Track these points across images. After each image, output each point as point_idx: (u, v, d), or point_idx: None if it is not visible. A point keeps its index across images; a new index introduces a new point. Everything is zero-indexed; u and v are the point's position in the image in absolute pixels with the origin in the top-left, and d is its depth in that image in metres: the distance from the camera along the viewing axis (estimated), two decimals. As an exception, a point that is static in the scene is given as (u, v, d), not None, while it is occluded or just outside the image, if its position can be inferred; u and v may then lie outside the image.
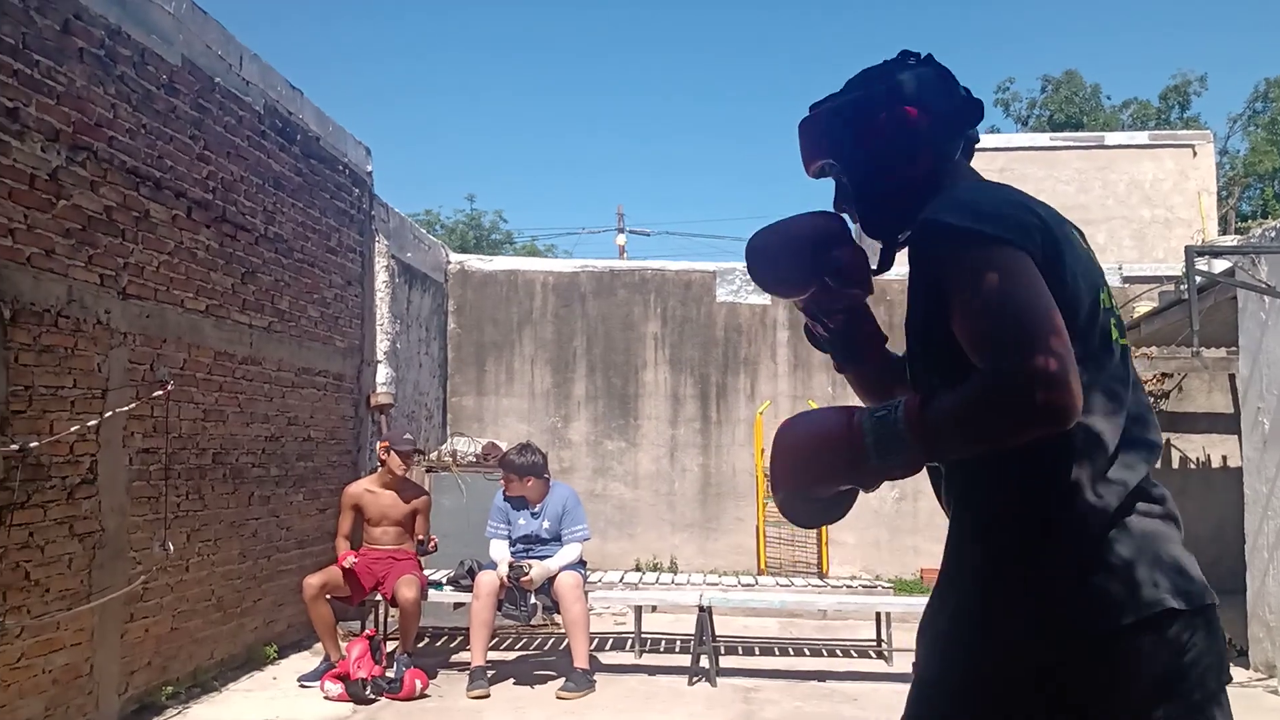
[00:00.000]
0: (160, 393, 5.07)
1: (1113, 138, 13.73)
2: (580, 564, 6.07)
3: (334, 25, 59.56)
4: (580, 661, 5.72)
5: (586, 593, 6.01)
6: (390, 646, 5.96)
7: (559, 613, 5.93)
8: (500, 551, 5.99)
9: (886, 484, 1.50)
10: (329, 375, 7.25)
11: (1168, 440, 9.49)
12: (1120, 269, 10.18)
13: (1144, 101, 25.98)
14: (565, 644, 6.31)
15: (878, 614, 6.79)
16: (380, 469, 6.20)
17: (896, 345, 1.75)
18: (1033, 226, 1.45)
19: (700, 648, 6.00)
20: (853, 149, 1.67)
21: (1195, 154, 12.75)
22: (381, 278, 8.16)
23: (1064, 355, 1.29)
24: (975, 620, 1.48)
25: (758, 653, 6.86)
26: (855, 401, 1.78)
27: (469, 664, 5.77)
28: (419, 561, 6.16)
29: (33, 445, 4.15)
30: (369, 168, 7.99)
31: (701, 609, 6.04)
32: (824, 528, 7.75)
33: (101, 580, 4.66)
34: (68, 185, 4.48)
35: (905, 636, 6.33)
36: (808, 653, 6.91)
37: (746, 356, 10.02)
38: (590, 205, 66.24)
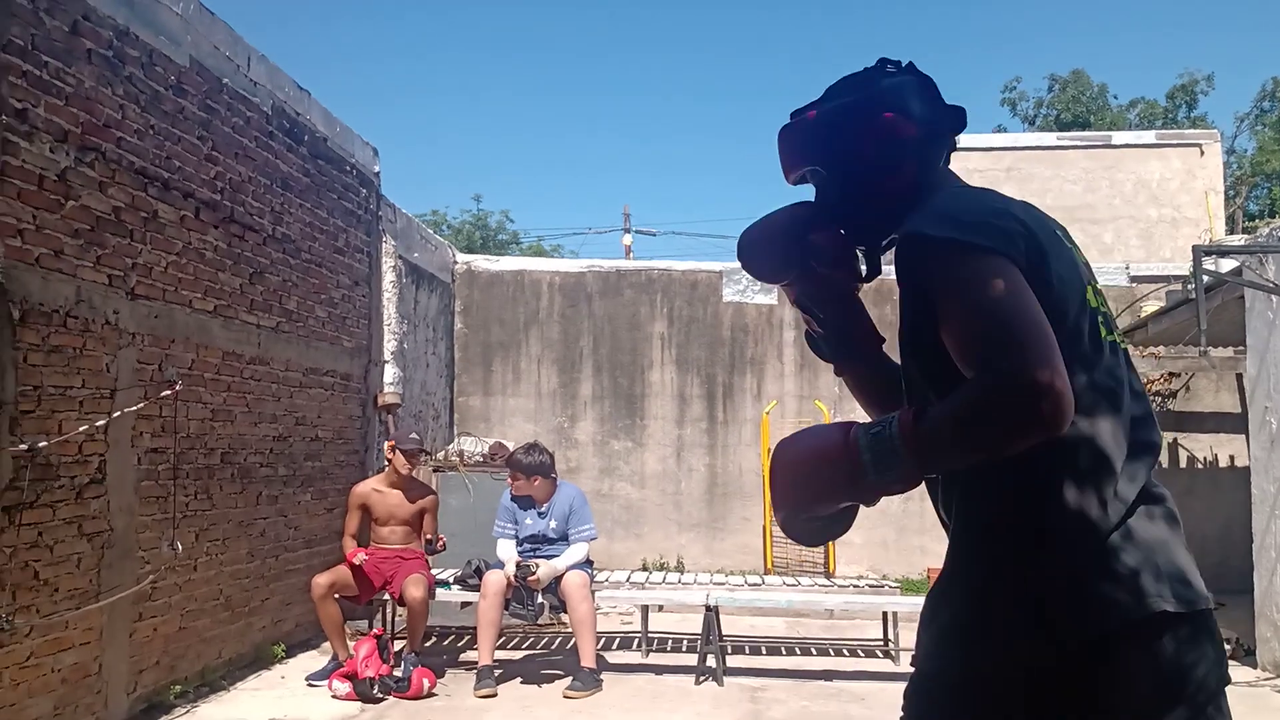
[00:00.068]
0: (168, 393, 5.09)
1: (1120, 137, 13.68)
2: (587, 564, 6.07)
3: (334, 25, 59.78)
4: (587, 661, 5.72)
5: (593, 592, 6.01)
6: (398, 646, 5.98)
7: (566, 612, 5.94)
8: (507, 551, 6.00)
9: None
10: (336, 375, 7.26)
11: (1175, 440, 9.46)
12: (1127, 268, 10.17)
13: (1151, 101, 25.92)
14: (572, 643, 6.33)
15: (884, 613, 6.80)
16: (387, 468, 6.21)
17: (896, 346, 1.76)
18: (1015, 233, 1.45)
19: (707, 647, 6.00)
20: (835, 157, 1.68)
21: (1202, 153, 12.71)
22: (389, 278, 8.17)
23: (1053, 360, 1.29)
24: (975, 619, 1.48)
25: (764, 652, 6.85)
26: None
27: (476, 663, 5.78)
28: (427, 561, 6.17)
29: (41, 445, 4.16)
30: (376, 168, 8.00)
31: (708, 608, 6.04)
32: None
33: (110, 580, 4.68)
34: (76, 186, 4.50)
35: (912, 636, 6.28)
36: (814, 652, 6.91)
37: (753, 356, 10.01)
38: (595, 206, 66.34)
